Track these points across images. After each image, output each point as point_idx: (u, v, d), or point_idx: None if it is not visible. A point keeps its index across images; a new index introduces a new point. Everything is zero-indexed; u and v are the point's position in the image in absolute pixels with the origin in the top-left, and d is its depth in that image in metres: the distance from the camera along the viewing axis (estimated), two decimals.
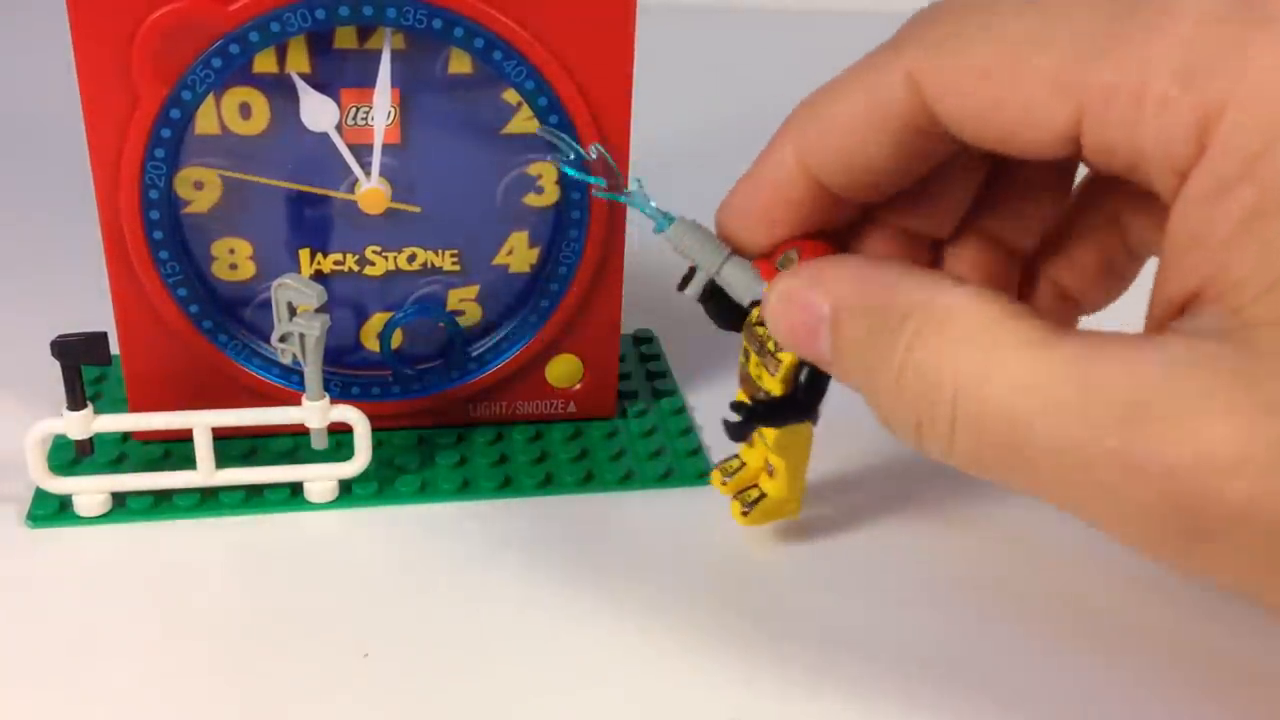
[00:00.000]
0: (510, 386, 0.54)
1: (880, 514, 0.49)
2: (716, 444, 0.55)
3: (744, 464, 0.48)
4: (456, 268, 0.52)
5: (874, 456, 0.52)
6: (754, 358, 0.44)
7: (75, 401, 0.46)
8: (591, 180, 0.44)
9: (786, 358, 0.42)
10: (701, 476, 0.52)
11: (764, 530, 0.49)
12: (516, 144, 0.50)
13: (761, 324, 0.43)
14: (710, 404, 0.58)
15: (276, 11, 0.44)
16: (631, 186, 0.44)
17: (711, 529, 0.49)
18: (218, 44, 0.45)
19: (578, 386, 0.54)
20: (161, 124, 0.45)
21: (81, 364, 0.45)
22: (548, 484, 0.51)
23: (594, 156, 0.44)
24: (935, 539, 0.49)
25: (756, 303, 0.43)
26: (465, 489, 0.50)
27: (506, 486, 0.51)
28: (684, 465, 0.53)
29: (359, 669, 0.42)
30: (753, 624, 0.45)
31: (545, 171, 0.50)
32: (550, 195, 0.51)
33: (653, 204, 0.43)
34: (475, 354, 0.53)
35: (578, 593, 0.46)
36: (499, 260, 0.52)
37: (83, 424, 0.46)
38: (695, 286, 0.44)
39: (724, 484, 0.48)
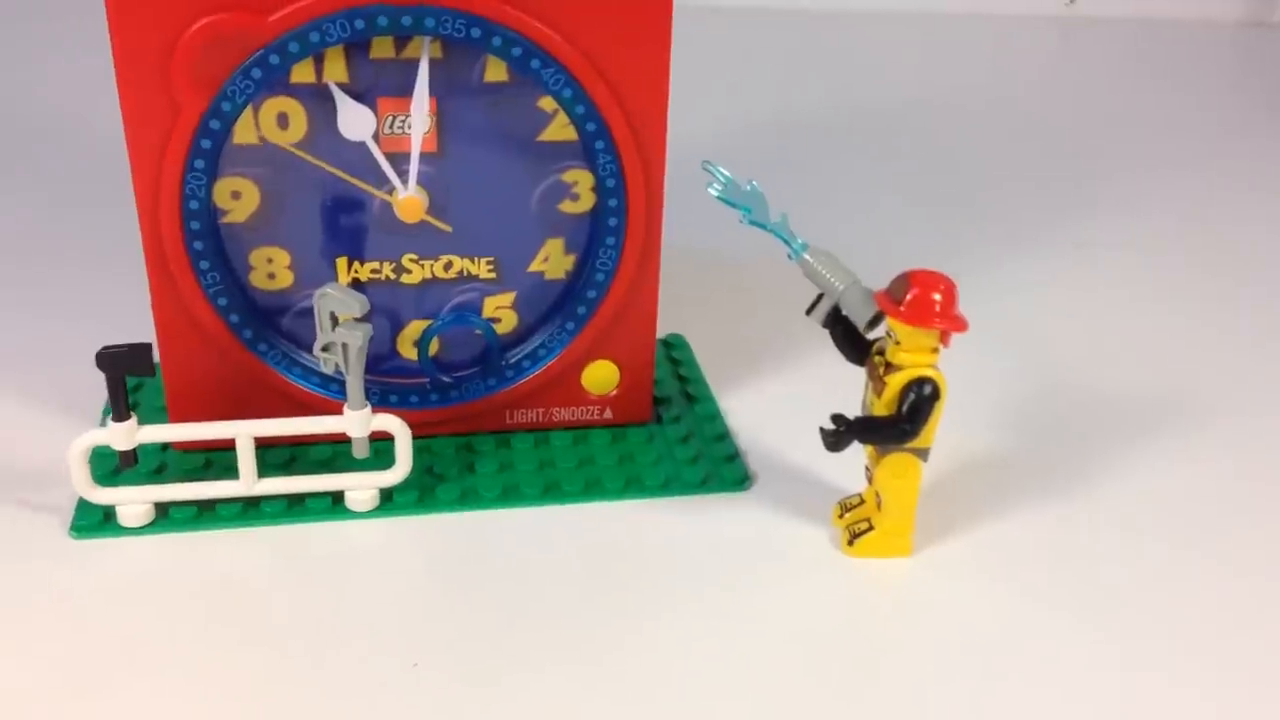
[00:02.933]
0: (547, 393, 0.54)
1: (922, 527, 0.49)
2: (752, 450, 0.55)
3: (863, 501, 0.49)
4: (492, 275, 0.52)
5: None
6: (869, 387, 0.46)
7: (120, 412, 0.46)
8: (741, 208, 0.47)
9: (893, 381, 0.45)
10: (740, 483, 0.52)
11: (807, 539, 0.49)
12: (552, 151, 0.50)
13: (880, 353, 0.46)
14: (743, 410, 0.58)
15: (316, 22, 0.44)
16: (776, 217, 0.47)
17: (754, 536, 0.49)
18: (257, 55, 0.45)
19: (614, 392, 0.54)
20: (202, 134, 0.45)
21: (126, 375, 0.45)
22: (590, 490, 0.51)
23: (748, 188, 0.47)
24: (984, 550, 0.50)
25: (878, 339, 0.46)
26: (507, 496, 0.50)
27: (549, 493, 0.51)
28: (722, 471, 0.53)
29: (409, 678, 0.42)
30: (803, 633, 0.45)
31: (580, 179, 0.50)
32: (585, 202, 0.51)
33: (798, 237, 0.47)
34: (512, 361, 0.53)
35: (625, 599, 0.46)
36: (534, 267, 0.52)
37: (127, 435, 0.46)
38: (820, 312, 0.47)
39: (840, 517, 0.49)
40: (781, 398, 0.59)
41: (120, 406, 0.46)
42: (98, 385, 0.55)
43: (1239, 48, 1.29)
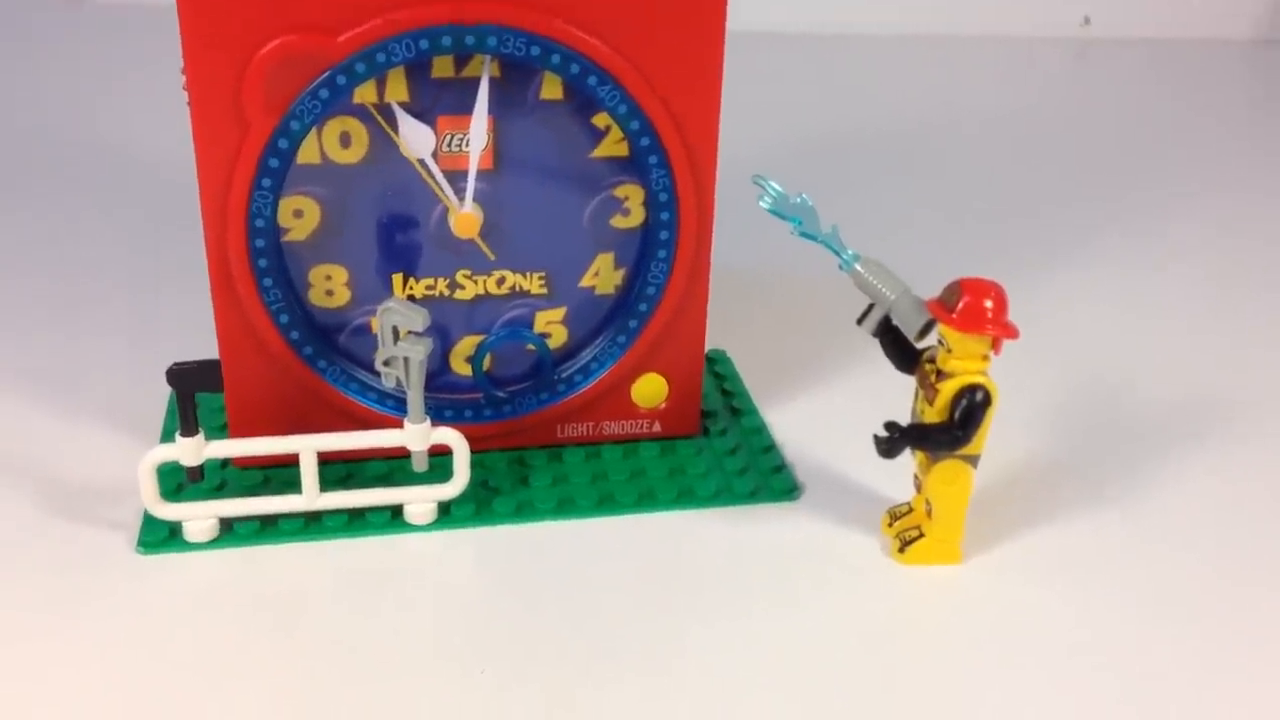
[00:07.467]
0: (597, 407, 0.54)
1: (971, 534, 0.50)
2: (799, 461, 0.55)
3: (912, 509, 0.50)
4: (544, 290, 0.52)
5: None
6: (920, 395, 0.47)
7: (188, 428, 0.46)
8: (792, 220, 0.48)
9: (945, 388, 0.45)
10: (789, 493, 0.53)
11: (858, 547, 0.50)
12: (604, 167, 0.51)
13: (930, 361, 0.46)
14: (786, 423, 0.58)
15: (383, 43, 0.45)
16: (826, 228, 0.48)
17: (806, 545, 0.50)
18: (325, 75, 0.46)
19: (663, 405, 0.55)
20: (270, 154, 0.46)
21: (196, 391, 0.46)
22: (643, 501, 0.52)
23: (797, 201, 0.48)
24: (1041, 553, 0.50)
25: (927, 348, 0.47)
26: (562, 508, 0.51)
27: (603, 504, 0.51)
28: (771, 482, 0.53)
29: (478, 685, 0.42)
30: (859, 640, 0.45)
31: (632, 194, 0.51)
32: (636, 217, 0.52)
33: (848, 248, 0.47)
34: (563, 375, 0.54)
35: (681, 607, 0.46)
36: (585, 282, 0.53)
37: (196, 450, 0.47)
38: (871, 321, 0.47)
39: (889, 525, 0.50)
40: (824, 410, 0.60)
41: (189, 422, 0.46)
42: (153, 403, 0.56)
43: (1251, 64, 1.31)
